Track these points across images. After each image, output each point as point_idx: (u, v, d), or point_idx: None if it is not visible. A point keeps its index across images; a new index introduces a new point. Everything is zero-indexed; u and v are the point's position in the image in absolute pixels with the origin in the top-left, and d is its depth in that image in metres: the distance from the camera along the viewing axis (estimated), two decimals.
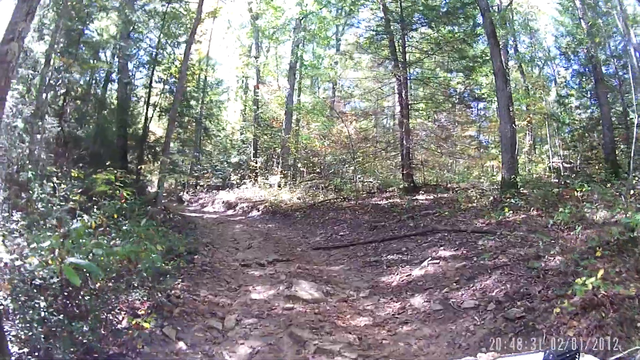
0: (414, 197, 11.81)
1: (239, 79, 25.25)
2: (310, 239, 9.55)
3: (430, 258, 6.23)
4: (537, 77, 18.03)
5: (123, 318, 3.67)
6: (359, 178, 14.49)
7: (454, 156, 16.30)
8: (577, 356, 1.70)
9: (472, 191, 11.42)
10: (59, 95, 10.17)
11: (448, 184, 14.18)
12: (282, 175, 17.22)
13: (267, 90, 21.87)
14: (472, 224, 8.23)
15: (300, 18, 17.99)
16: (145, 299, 4.26)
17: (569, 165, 16.67)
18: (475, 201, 10.19)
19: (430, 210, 9.88)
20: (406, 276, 5.82)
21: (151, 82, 14.82)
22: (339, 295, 5.31)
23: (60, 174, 7.77)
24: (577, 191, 8.48)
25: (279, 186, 16.98)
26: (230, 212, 15.71)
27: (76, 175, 6.48)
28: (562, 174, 15.41)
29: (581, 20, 15.86)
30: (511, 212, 8.24)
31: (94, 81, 13.19)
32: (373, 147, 14.10)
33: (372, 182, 16.11)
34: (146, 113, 14.59)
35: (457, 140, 16.44)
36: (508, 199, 9.31)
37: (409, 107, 14.25)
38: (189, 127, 22.86)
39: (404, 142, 13.50)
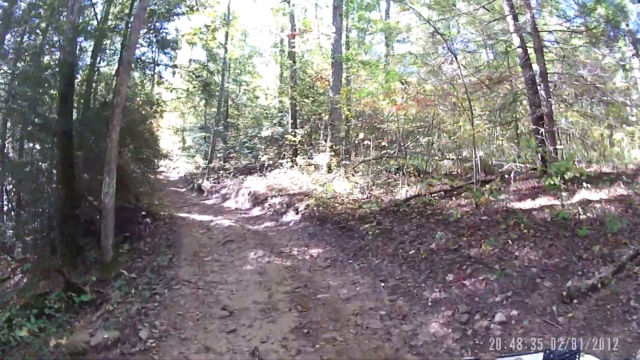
0: (583, 197, 5.78)
1: (272, 33, 19.31)
2: (416, 320, 3.78)
3: None
4: None
5: None
6: (465, 155, 8.36)
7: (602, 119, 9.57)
8: (577, 356, 1.52)
9: None
10: None
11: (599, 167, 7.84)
12: (332, 153, 11.47)
13: (305, 40, 15.90)
14: None
15: None
16: None
17: None
18: None
19: None
20: None
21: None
22: None
23: None
24: None
25: (329, 169, 11.31)
26: (256, 211, 10.28)
27: None
28: None
29: None
30: None
31: None
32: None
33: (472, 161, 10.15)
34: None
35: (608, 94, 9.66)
36: None
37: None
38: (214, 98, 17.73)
39: (544, 95, 7.20)
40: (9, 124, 8.94)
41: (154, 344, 3.43)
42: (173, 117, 22.43)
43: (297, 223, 8.07)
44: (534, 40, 7.76)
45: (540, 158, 7.52)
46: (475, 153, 7.32)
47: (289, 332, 3.59)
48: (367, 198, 8.00)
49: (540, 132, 7.49)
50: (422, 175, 9.87)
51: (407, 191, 8.13)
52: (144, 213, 8.12)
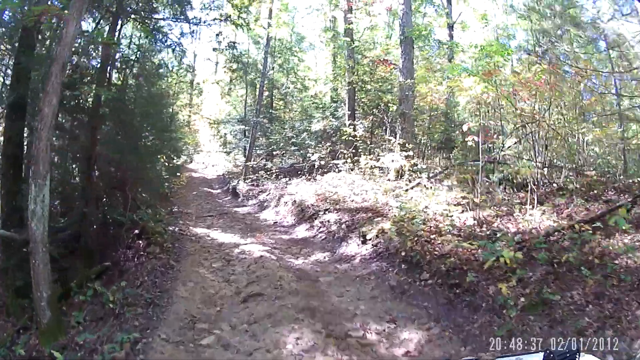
0: None
1: (323, 13, 16.23)
2: None
3: None
4: None
5: None
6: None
7: None
8: (577, 356, 1.40)
9: None
10: None
11: None
12: (406, 154, 8.41)
13: (361, 18, 12.93)
14: None
15: None
16: None
17: None
18: None
19: None
20: None
21: None
22: None
23: None
24: None
25: (398, 174, 8.31)
26: (301, 229, 7.44)
27: None
28: None
29: None
30: None
31: None
32: None
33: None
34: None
35: None
36: None
37: None
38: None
39: None
40: None
41: None
42: (212, 108, 20.26)
43: (367, 261, 5.08)
44: None
45: None
46: None
47: None
48: (482, 227, 4.84)
49: None
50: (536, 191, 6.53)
51: (533, 216, 4.90)
52: (137, 231, 5.48)
